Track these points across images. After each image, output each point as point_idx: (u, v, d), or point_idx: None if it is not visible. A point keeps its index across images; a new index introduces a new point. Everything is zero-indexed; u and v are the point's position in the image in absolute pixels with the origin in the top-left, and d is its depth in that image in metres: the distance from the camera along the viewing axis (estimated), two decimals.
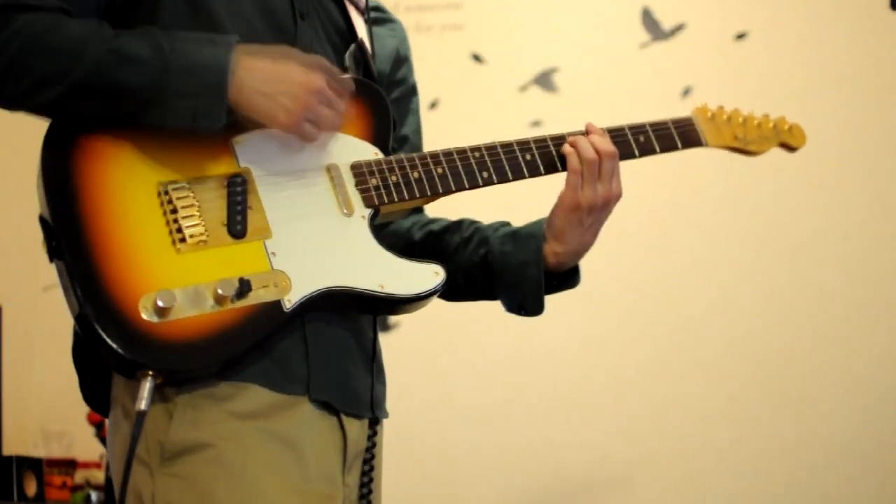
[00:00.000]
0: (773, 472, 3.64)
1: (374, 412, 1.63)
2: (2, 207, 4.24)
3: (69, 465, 4.01)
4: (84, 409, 3.86)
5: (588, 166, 1.65)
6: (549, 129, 4.43)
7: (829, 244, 3.72)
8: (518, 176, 1.68)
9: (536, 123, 3.99)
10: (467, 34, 4.10)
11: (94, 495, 3.91)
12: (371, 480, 1.62)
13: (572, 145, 1.67)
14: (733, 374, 3.71)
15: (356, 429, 1.59)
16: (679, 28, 3.96)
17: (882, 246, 3.69)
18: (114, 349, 1.40)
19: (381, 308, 1.60)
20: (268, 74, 1.49)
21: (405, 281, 1.56)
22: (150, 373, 1.41)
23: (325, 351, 1.55)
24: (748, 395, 3.69)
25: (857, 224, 3.70)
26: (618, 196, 1.67)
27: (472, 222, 1.80)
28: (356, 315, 1.62)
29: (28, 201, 4.84)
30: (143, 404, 1.40)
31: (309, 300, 1.49)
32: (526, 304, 1.71)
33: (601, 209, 1.66)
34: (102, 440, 3.85)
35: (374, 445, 1.62)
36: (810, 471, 3.61)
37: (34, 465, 3.86)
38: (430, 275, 1.58)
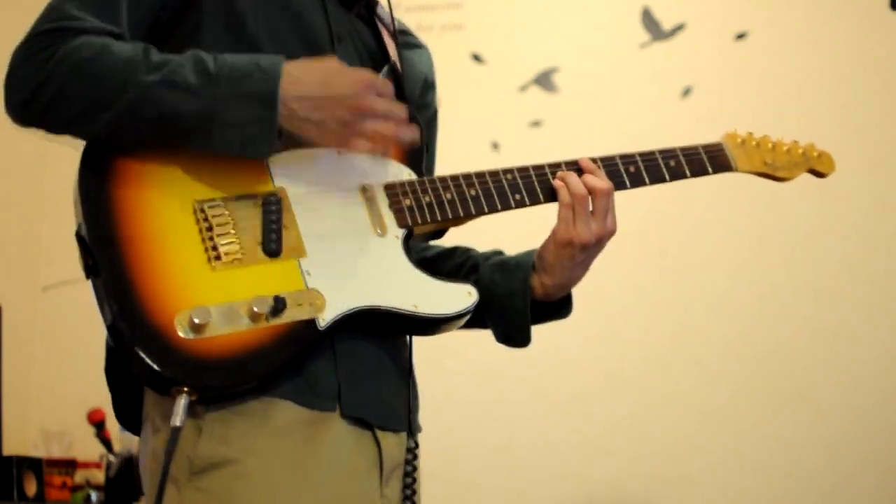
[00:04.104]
0: (773, 472, 3.64)
1: (411, 426, 1.65)
2: (2, 208, 4.24)
3: (69, 465, 4.01)
4: (84, 408, 3.89)
5: (578, 201, 1.64)
6: (549, 130, 4.45)
7: (828, 244, 3.72)
8: (549, 199, 1.67)
9: (536, 123, 4.00)
10: (467, 34, 4.10)
11: (94, 495, 3.91)
12: (413, 493, 1.63)
13: (562, 179, 1.66)
14: (733, 373, 3.71)
15: (392, 442, 1.60)
16: (679, 28, 3.96)
17: (882, 246, 3.69)
18: (150, 366, 1.40)
19: (413, 328, 1.61)
20: (316, 102, 1.49)
21: (438, 301, 1.57)
22: (186, 389, 1.41)
23: (356, 366, 1.56)
24: (748, 395, 3.70)
25: (856, 223, 3.70)
26: (611, 233, 1.66)
27: (466, 250, 1.81)
28: (387, 332, 1.62)
29: (28, 203, 4.81)
30: (178, 420, 1.40)
31: (343, 319, 1.49)
32: (511, 334, 1.72)
33: (594, 246, 1.66)
34: (102, 440, 3.85)
35: (415, 458, 1.64)
36: (810, 471, 3.61)
37: (34, 465, 3.86)
38: (464, 295, 1.59)
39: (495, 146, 3.95)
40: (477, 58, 4.09)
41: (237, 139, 1.47)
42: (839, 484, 3.59)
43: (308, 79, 1.50)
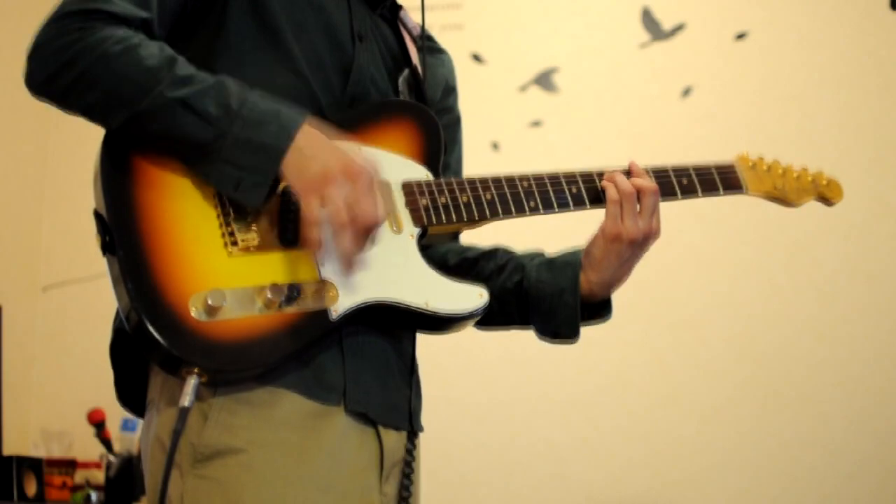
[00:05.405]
0: (773, 472, 3.64)
1: (412, 425, 1.66)
2: (2, 208, 4.24)
3: (69, 465, 4.01)
4: (84, 408, 3.89)
5: (626, 197, 1.67)
6: (549, 130, 4.43)
7: (828, 243, 3.72)
8: (564, 207, 1.71)
9: (536, 123, 4.00)
10: (467, 34, 4.10)
11: (94, 495, 3.91)
12: (410, 494, 1.64)
13: (610, 180, 1.70)
14: (733, 373, 3.72)
15: (393, 439, 1.62)
16: (679, 28, 3.96)
17: (882, 246, 3.69)
18: (162, 345, 1.41)
19: (423, 324, 1.62)
20: (316, 169, 1.47)
21: (450, 300, 1.59)
22: (196, 371, 1.43)
23: (362, 362, 1.57)
24: (748, 395, 3.70)
25: (857, 224, 3.70)
26: (656, 234, 1.70)
27: (507, 250, 1.82)
28: (395, 329, 1.64)
29: (28, 203, 4.81)
30: (186, 401, 1.42)
31: (355, 311, 1.51)
32: (561, 330, 1.73)
33: (640, 244, 1.69)
34: (102, 440, 3.86)
35: (413, 458, 1.65)
36: (810, 471, 3.61)
37: (34, 465, 3.87)
38: (475, 296, 1.61)
39: (495, 146, 3.95)
40: (477, 58, 4.09)
41: (233, 180, 1.47)
42: (839, 484, 3.59)
43: (320, 143, 1.49)
